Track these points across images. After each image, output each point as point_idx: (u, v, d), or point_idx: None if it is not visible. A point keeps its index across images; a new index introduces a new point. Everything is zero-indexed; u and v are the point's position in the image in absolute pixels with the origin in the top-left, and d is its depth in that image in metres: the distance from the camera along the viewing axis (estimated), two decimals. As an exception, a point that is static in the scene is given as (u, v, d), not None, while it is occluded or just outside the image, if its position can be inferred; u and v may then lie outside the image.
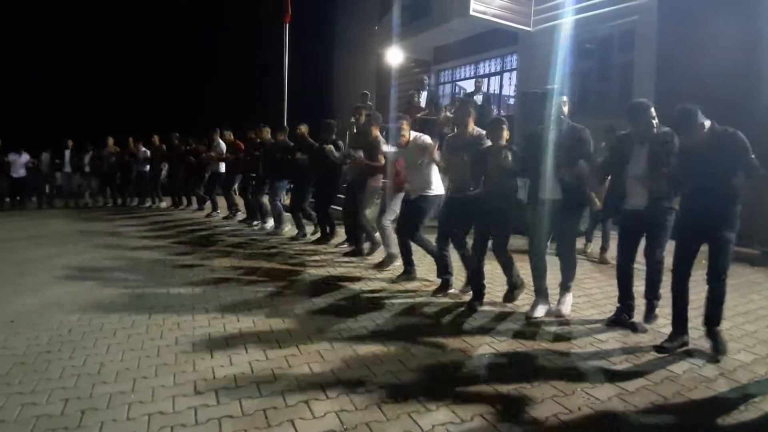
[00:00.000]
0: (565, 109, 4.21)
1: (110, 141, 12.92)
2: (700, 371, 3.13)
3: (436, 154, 4.86)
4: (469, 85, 13.45)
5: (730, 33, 7.27)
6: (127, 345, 3.46)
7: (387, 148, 5.70)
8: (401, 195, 5.66)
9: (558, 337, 3.72)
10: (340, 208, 7.42)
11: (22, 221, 9.95)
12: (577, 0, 10.31)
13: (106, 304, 4.41)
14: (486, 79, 13.18)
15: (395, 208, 5.74)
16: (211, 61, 22.51)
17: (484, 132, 4.62)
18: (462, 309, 4.37)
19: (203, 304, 4.41)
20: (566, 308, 4.25)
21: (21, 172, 12.25)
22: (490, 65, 13.52)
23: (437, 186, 5.18)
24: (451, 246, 4.85)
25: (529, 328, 3.93)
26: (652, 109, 3.73)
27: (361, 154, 6.19)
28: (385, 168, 6.07)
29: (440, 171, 5.07)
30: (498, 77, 13.30)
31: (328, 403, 2.65)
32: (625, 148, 3.90)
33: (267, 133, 8.73)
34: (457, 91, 14.22)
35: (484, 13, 10.91)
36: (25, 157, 12.26)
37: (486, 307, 4.39)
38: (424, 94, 11.52)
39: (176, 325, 3.86)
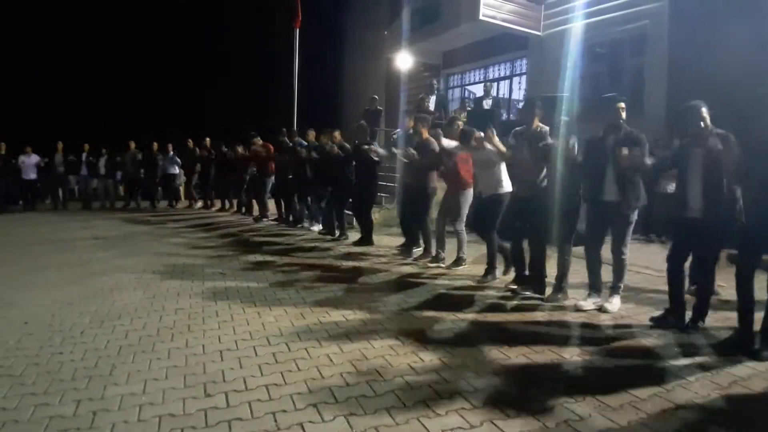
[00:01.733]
0: (623, 114, 4.31)
1: (131, 144, 13.07)
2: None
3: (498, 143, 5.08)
4: (478, 90, 13.44)
5: (741, 36, 7.21)
6: (138, 347, 3.49)
7: (447, 142, 5.82)
8: (468, 194, 5.90)
9: (609, 340, 3.73)
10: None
11: (34, 224, 10.06)
12: (587, 4, 10.29)
13: (117, 306, 4.46)
14: (495, 84, 13.17)
15: (465, 211, 5.94)
16: (221, 67, 22.70)
17: (547, 129, 4.84)
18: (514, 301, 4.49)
19: (212, 307, 4.43)
20: (614, 307, 4.37)
21: (31, 175, 12.31)
22: (499, 69, 13.52)
23: (507, 184, 5.35)
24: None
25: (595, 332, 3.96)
26: (704, 110, 3.72)
27: (413, 152, 6.30)
28: (443, 165, 6.10)
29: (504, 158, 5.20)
30: (507, 81, 13.30)
31: (337, 407, 2.66)
32: (682, 153, 3.91)
33: (312, 136, 8.88)
34: (466, 95, 14.21)
35: (493, 17, 10.92)
36: (34, 158, 12.31)
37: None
38: (432, 99, 11.52)
39: (186, 328, 3.89)
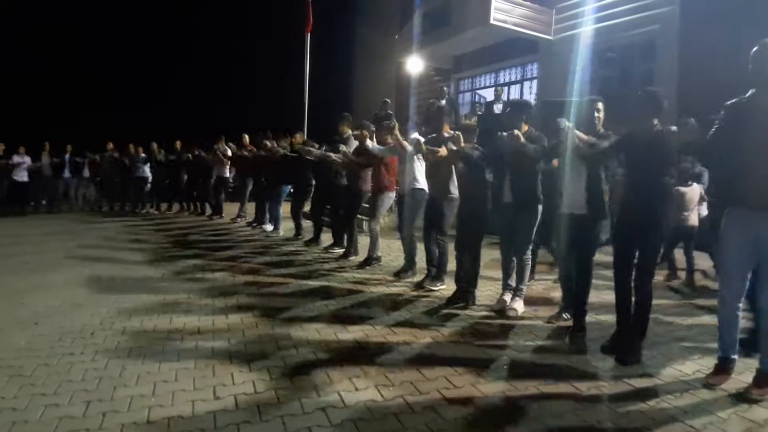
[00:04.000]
0: (524, 127, 4.36)
1: (110, 146, 13.05)
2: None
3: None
4: (489, 94, 13.42)
5: (753, 40, 7.12)
6: (148, 349, 3.50)
7: (372, 145, 6.06)
8: (386, 196, 6.18)
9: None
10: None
11: (35, 226, 10.15)
12: (598, 9, 10.26)
13: (128, 307, 4.48)
14: (506, 88, 13.15)
15: (380, 212, 6.24)
16: (232, 70, 22.80)
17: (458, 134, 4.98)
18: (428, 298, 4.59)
19: (223, 310, 4.45)
20: (516, 311, 4.40)
21: (24, 176, 12.12)
22: (510, 74, 13.50)
23: (422, 181, 5.61)
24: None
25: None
26: (599, 105, 3.84)
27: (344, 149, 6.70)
28: (369, 165, 6.40)
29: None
30: (518, 86, 13.27)
31: (345, 411, 2.65)
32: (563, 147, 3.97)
33: (299, 139, 9.00)
34: (477, 99, 14.20)
35: (504, 21, 10.92)
36: (27, 160, 12.13)
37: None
38: (443, 103, 11.52)
39: (196, 330, 3.90)
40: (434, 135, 5.30)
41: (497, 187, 4.53)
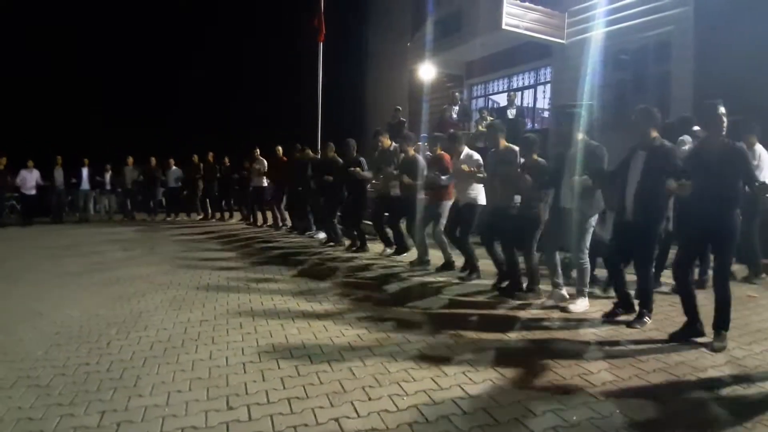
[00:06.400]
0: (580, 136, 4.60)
1: (130, 160, 13.51)
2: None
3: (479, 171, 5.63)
4: (502, 99, 13.35)
5: (769, 41, 7.02)
6: (163, 359, 3.52)
7: (444, 178, 6.18)
8: (447, 205, 6.24)
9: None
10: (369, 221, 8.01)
11: (47, 236, 10.30)
12: (611, 11, 10.16)
13: (144, 317, 4.51)
14: (519, 93, 13.06)
15: (444, 219, 6.29)
16: (245, 80, 22.87)
17: (516, 148, 5.31)
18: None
19: (236, 318, 4.46)
20: (578, 308, 4.61)
21: (32, 190, 12.32)
22: (523, 78, 13.41)
23: (480, 195, 5.87)
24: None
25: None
26: (722, 108, 3.75)
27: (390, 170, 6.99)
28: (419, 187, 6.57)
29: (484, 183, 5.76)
30: (532, 90, 13.18)
31: (358, 422, 2.63)
32: (627, 157, 4.16)
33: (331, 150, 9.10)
34: (489, 105, 14.13)
35: (516, 26, 10.84)
36: (35, 174, 12.36)
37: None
38: (456, 109, 11.51)
39: (210, 340, 3.91)
40: (493, 150, 5.58)
41: (556, 192, 4.73)
